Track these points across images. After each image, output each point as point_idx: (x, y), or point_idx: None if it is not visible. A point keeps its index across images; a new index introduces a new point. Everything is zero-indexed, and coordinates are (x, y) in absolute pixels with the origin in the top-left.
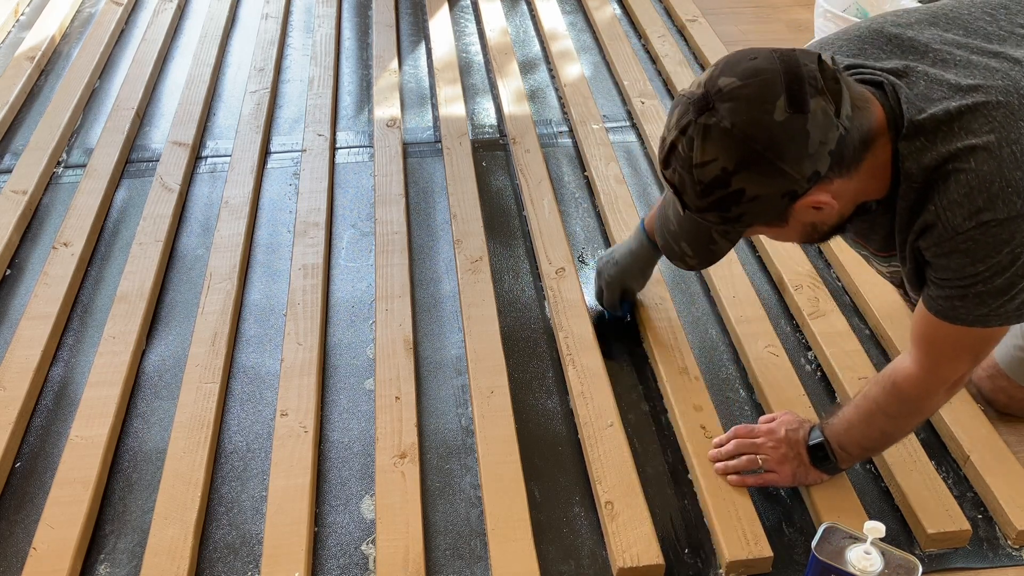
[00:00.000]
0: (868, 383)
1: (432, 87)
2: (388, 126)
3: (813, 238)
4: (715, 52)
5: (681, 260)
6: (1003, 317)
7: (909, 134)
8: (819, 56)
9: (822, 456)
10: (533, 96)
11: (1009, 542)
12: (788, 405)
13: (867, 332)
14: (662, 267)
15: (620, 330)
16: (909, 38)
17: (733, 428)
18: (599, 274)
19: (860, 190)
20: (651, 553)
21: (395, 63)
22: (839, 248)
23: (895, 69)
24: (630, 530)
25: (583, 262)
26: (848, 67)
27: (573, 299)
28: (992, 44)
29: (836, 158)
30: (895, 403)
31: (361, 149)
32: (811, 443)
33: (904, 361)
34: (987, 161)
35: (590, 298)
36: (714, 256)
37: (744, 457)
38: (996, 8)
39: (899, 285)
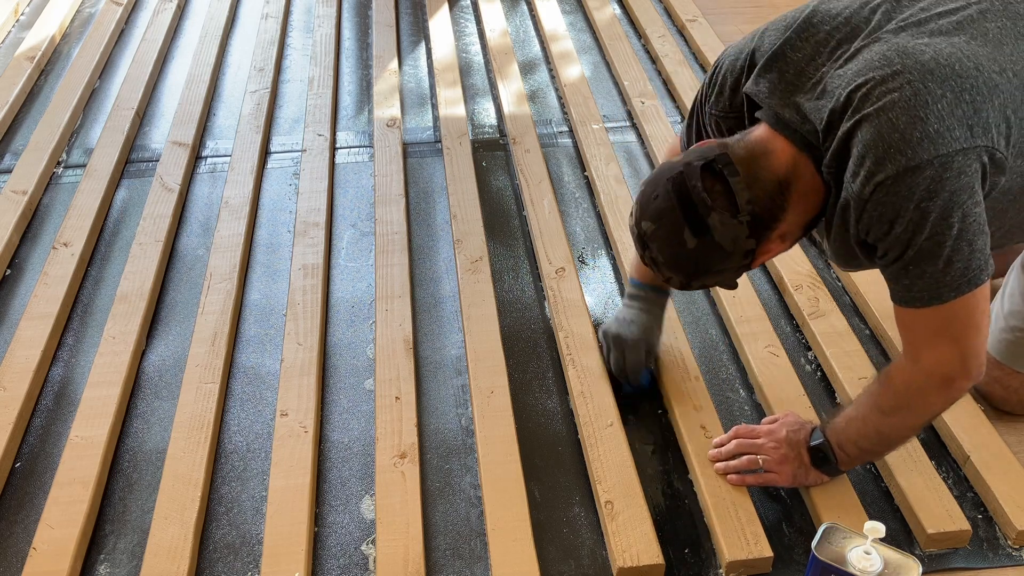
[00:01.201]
0: (869, 381)
1: (432, 87)
2: (388, 126)
3: (783, 250)
4: (715, 52)
5: (666, 280)
6: (951, 286)
7: (818, 143)
8: (701, 167)
9: (822, 457)
10: (533, 96)
11: (1009, 542)
12: (788, 405)
13: (867, 332)
14: None
15: (643, 397)
16: (813, 28)
17: (734, 428)
18: (615, 342)
19: (801, 216)
20: (651, 553)
21: (395, 63)
22: None
23: (799, 76)
24: (630, 530)
25: (583, 262)
26: (766, 70)
27: (573, 299)
28: (894, 21)
29: (758, 229)
30: (887, 397)
31: (361, 149)
32: (812, 444)
33: (899, 356)
34: (868, 132)
35: (590, 298)
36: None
37: (744, 457)
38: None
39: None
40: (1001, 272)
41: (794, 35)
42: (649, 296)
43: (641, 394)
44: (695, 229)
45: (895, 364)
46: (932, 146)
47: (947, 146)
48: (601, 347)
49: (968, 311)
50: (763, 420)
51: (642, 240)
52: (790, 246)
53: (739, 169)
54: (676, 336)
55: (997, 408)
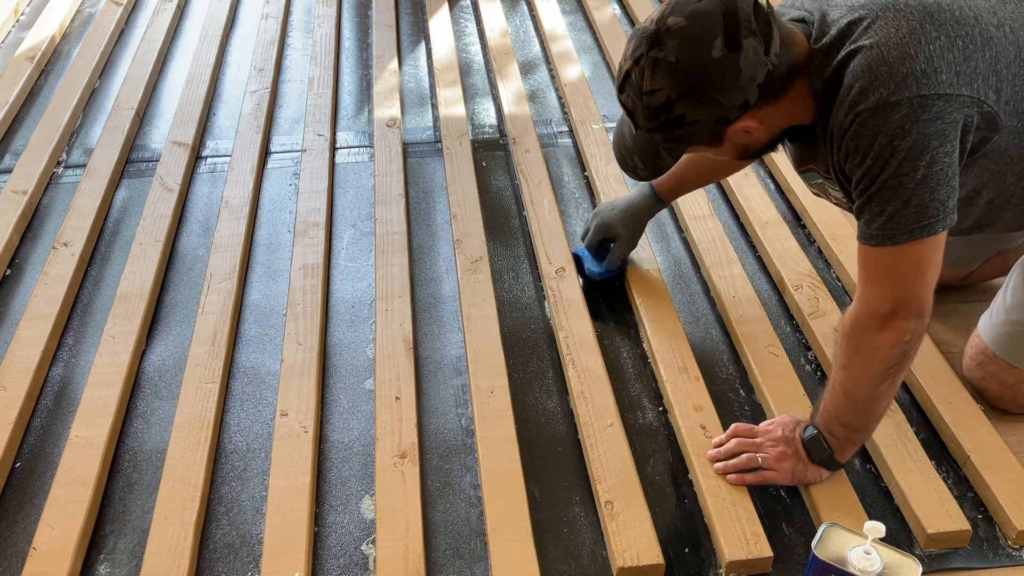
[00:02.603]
0: None
1: (432, 87)
2: (388, 126)
3: (746, 155)
4: None
5: (633, 172)
6: (903, 227)
7: (813, 58)
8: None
9: (818, 449)
10: (533, 96)
11: (1009, 542)
12: (788, 405)
13: None
14: (663, 267)
15: (603, 287)
16: None
17: (732, 426)
18: (594, 215)
19: (787, 116)
20: (651, 553)
21: (395, 63)
22: (839, 248)
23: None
24: (630, 530)
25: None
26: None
27: (573, 299)
28: None
29: (763, 90)
30: (842, 347)
31: (361, 149)
32: (806, 437)
33: None
34: (860, 63)
35: (590, 298)
36: (660, 169)
37: (744, 456)
38: None
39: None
40: (1003, 271)
41: None
42: (645, 196)
43: (603, 277)
44: (729, 41)
45: (846, 311)
46: (915, 84)
47: (930, 88)
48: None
49: (916, 256)
50: (761, 424)
51: (653, 37)
52: (757, 144)
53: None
54: (676, 336)
55: (993, 406)
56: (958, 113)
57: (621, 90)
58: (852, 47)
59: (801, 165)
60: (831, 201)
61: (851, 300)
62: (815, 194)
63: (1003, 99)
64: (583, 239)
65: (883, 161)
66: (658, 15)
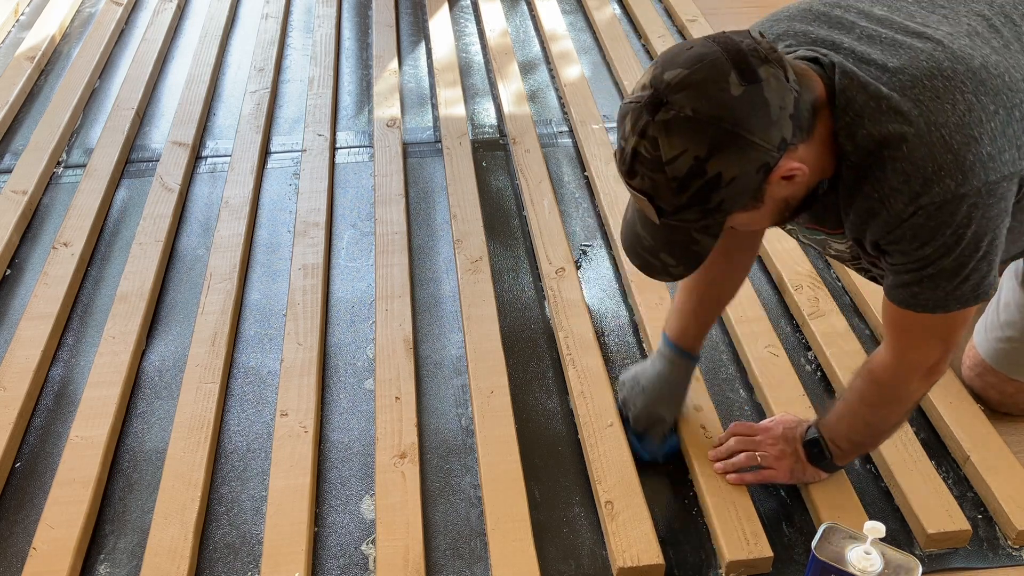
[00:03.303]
0: (853, 374)
1: (432, 87)
2: (388, 126)
3: (784, 216)
4: None
5: (665, 273)
6: (960, 300)
7: (841, 108)
8: (749, 32)
9: (817, 452)
10: (533, 96)
11: (1009, 542)
12: (788, 405)
13: (867, 332)
14: None
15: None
16: (836, 16)
17: (732, 425)
18: (624, 402)
19: (819, 159)
20: (651, 553)
21: (395, 63)
22: None
23: (825, 41)
24: (630, 530)
25: (579, 265)
26: (780, 40)
27: (573, 299)
28: (915, 23)
29: (796, 121)
30: (873, 392)
31: (361, 149)
32: (807, 439)
33: (880, 350)
34: (918, 147)
35: (590, 298)
36: (699, 257)
37: (743, 454)
38: None
39: (857, 259)
40: None
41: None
42: (676, 364)
43: (662, 458)
44: (744, 74)
45: (878, 360)
46: (984, 172)
47: (997, 171)
48: (619, 403)
49: (965, 317)
50: (761, 422)
51: (653, 100)
52: (798, 197)
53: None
54: None
55: (995, 411)
56: (1015, 185)
57: (631, 175)
58: (900, 127)
59: (807, 224)
60: (826, 253)
61: (851, 300)
62: (804, 243)
63: None
64: (625, 420)
65: (946, 249)
66: (649, 78)
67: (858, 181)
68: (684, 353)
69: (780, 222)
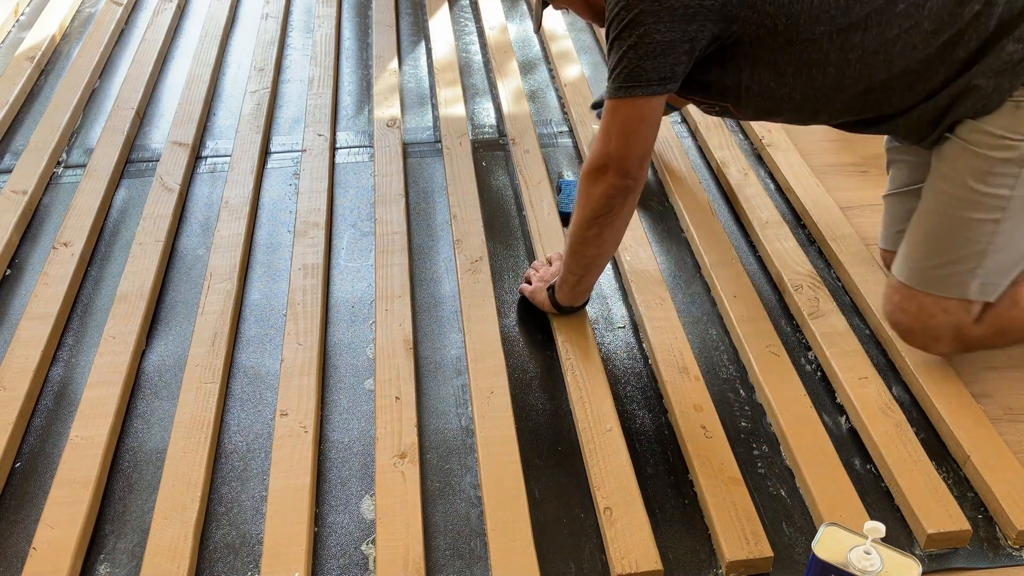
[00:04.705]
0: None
1: (432, 87)
2: (388, 126)
3: (593, 13)
4: None
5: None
6: (616, 85)
7: None
8: None
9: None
10: (533, 96)
11: (1009, 542)
12: (788, 405)
13: (867, 332)
14: (663, 267)
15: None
16: None
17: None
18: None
19: None
20: (649, 559)
21: (395, 63)
22: (839, 248)
23: None
24: (628, 536)
25: None
26: None
27: None
28: None
29: None
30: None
31: (361, 149)
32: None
33: None
34: None
35: (589, 305)
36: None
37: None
38: None
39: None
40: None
41: None
42: None
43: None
44: None
45: None
46: None
47: None
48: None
49: (624, 115)
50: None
51: None
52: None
53: None
54: (676, 336)
55: (907, 342)
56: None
57: None
58: None
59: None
60: None
61: (851, 300)
62: None
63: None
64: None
65: (612, 25)
66: None
67: None
68: None
69: (593, 18)
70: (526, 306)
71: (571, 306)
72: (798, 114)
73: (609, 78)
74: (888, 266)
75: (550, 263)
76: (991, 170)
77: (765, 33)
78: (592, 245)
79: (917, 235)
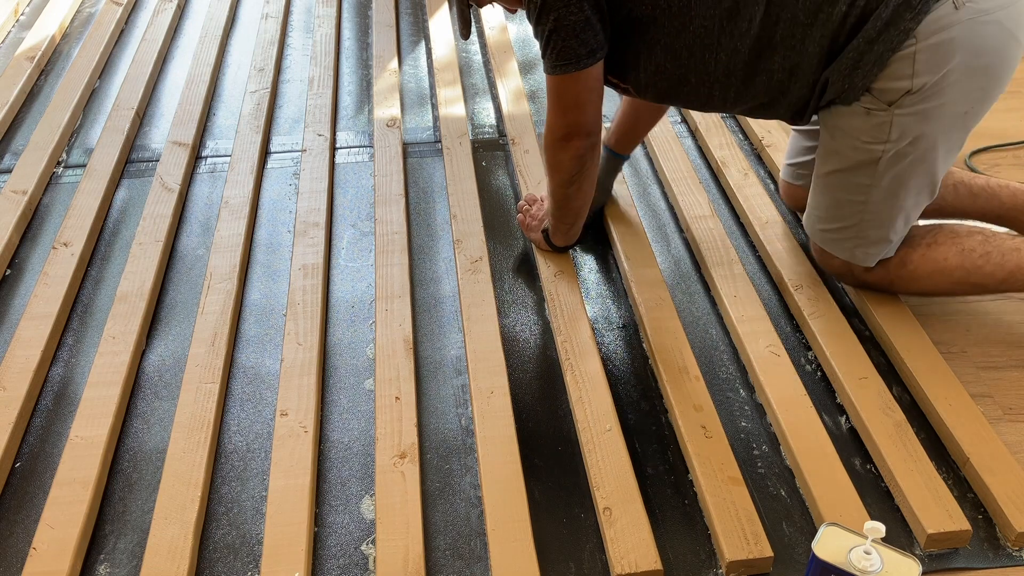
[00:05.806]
0: None
1: (432, 87)
2: (388, 126)
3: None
4: None
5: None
6: (550, 64)
7: None
8: None
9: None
10: (533, 96)
11: (1009, 543)
12: (788, 405)
13: (867, 332)
14: (663, 267)
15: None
16: None
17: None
18: None
19: None
20: (649, 559)
21: (395, 63)
22: None
23: None
24: (628, 536)
25: (577, 267)
26: None
27: (572, 301)
28: None
29: None
30: (545, 160)
31: (361, 149)
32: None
33: None
34: None
35: (589, 300)
36: (464, 22)
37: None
38: None
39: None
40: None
41: None
42: (609, 156)
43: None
44: None
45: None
46: None
47: None
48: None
49: (572, 89)
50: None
51: None
52: None
53: None
54: (676, 336)
55: (842, 282)
56: None
57: None
58: None
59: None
60: None
61: (851, 300)
62: None
63: None
64: None
65: (533, 21)
66: None
67: None
68: (611, 151)
69: (516, 4)
70: (523, 301)
71: (567, 245)
72: (695, 97)
73: (543, 56)
74: (784, 196)
75: (542, 200)
76: (852, 167)
77: (660, 14)
78: (575, 199)
79: (814, 198)
